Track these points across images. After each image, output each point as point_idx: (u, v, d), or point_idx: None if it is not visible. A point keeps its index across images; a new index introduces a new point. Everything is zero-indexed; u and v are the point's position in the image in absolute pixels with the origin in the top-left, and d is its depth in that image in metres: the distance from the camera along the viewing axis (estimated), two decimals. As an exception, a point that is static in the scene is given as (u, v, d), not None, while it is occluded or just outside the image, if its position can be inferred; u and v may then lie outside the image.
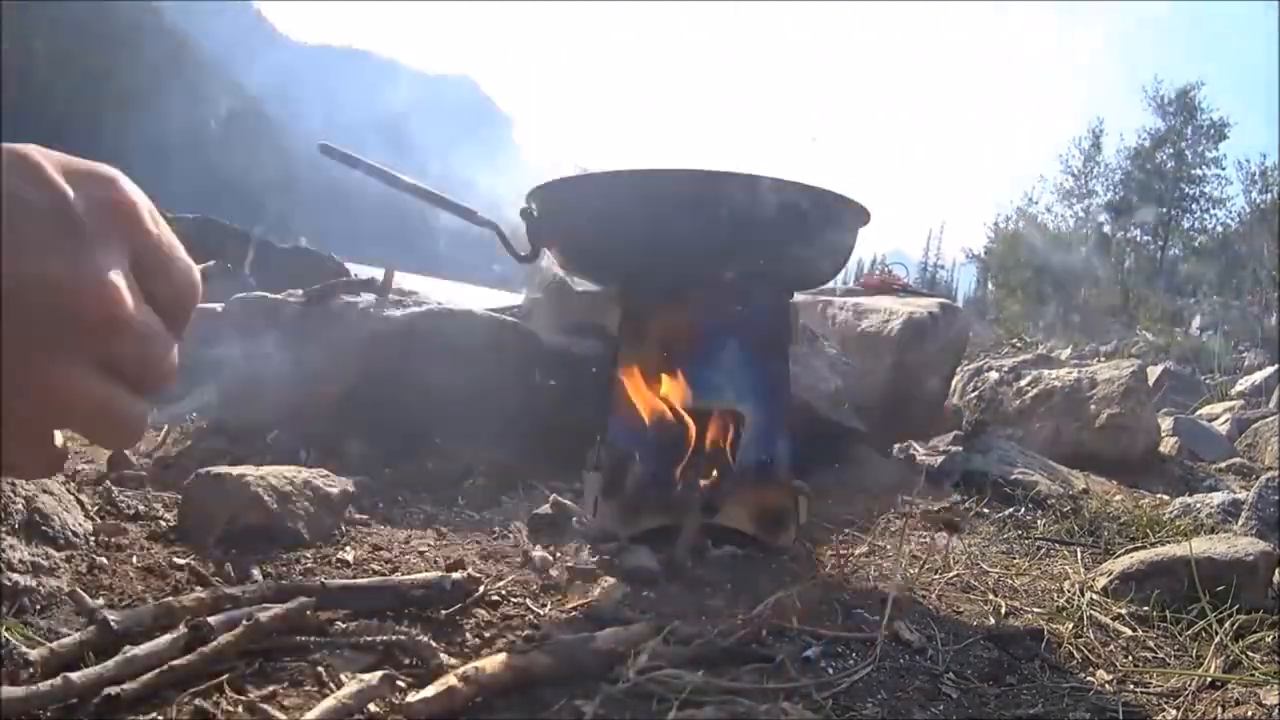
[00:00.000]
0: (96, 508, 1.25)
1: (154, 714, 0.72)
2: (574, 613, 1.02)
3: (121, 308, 0.39)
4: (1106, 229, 23.85)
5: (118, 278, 0.40)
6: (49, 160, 0.40)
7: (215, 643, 0.80)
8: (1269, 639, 1.07)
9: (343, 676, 0.81)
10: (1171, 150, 23.48)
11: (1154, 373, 5.44)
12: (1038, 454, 2.33)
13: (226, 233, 3.76)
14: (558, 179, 1.42)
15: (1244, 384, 6.15)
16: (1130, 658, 1.04)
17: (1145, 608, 1.18)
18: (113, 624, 0.83)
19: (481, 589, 1.04)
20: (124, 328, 0.40)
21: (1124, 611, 1.18)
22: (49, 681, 0.71)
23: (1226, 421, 4.15)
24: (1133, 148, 24.16)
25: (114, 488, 1.37)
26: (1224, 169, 22.94)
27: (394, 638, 0.87)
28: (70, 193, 0.39)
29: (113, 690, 0.71)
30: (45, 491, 1.09)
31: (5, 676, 0.74)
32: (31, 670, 0.75)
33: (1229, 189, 22.77)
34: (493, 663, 0.79)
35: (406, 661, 0.86)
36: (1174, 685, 0.95)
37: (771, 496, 1.32)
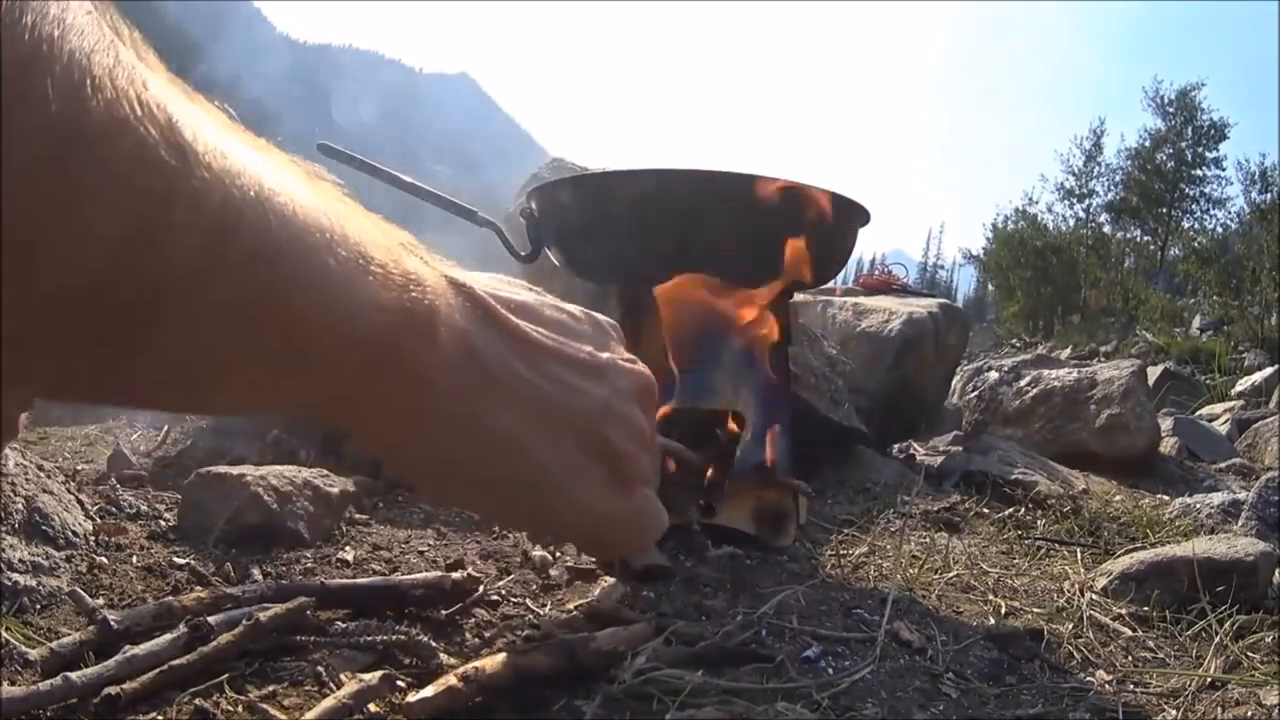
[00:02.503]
0: (96, 507, 1.25)
1: (154, 714, 0.72)
2: (574, 613, 1.02)
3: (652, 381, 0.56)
4: (1106, 229, 23.84)
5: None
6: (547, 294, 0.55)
7: (215, 643, 0.80)
8: (1269, 639, 1.07)
9: (343, 676, 0.81)
10: (1171, 150, 23.48)
11: (1154, 373, 5.45)
12: (1038, 454, 2.33)
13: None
14: (558, 179, 1.42)
15: (1244, 384, 6.16)
16: (1130, 658, 1.04)
17: (1145, 608, 1.18)
18: (113, 624, 0.83)
19: (481, 589, 1.04)
20: (655, 402, 0.55)
21: (1124, 612, 1.18)
22: (49, 681, 0.71)
23: (1226, 421, 4.16)
24: (1133, 148, 24.17)
25: (115, 487, 1.37)
26: (1224, 169, 22.95)
27: (394, 638, 0.87)
28: (586, 311, 0.55)
29: (113, 690, 0.71)
30: (45, 491, 1.09)
31: (5, 676, 0.74)
32: (32, 670, 0.75)
33: (1229, 189, 22.78)
34: (493, 663, 0.79)
35: (406, 661, 0.86)
36: (1174, 685, 0.95)
37: (771, 496, 1.32)
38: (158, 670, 0.75)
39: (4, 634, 0.79)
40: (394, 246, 0.42)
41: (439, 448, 0.45)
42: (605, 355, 0.51)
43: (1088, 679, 0.96)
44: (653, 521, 0.59)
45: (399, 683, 0.78)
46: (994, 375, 2.96)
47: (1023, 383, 2.85)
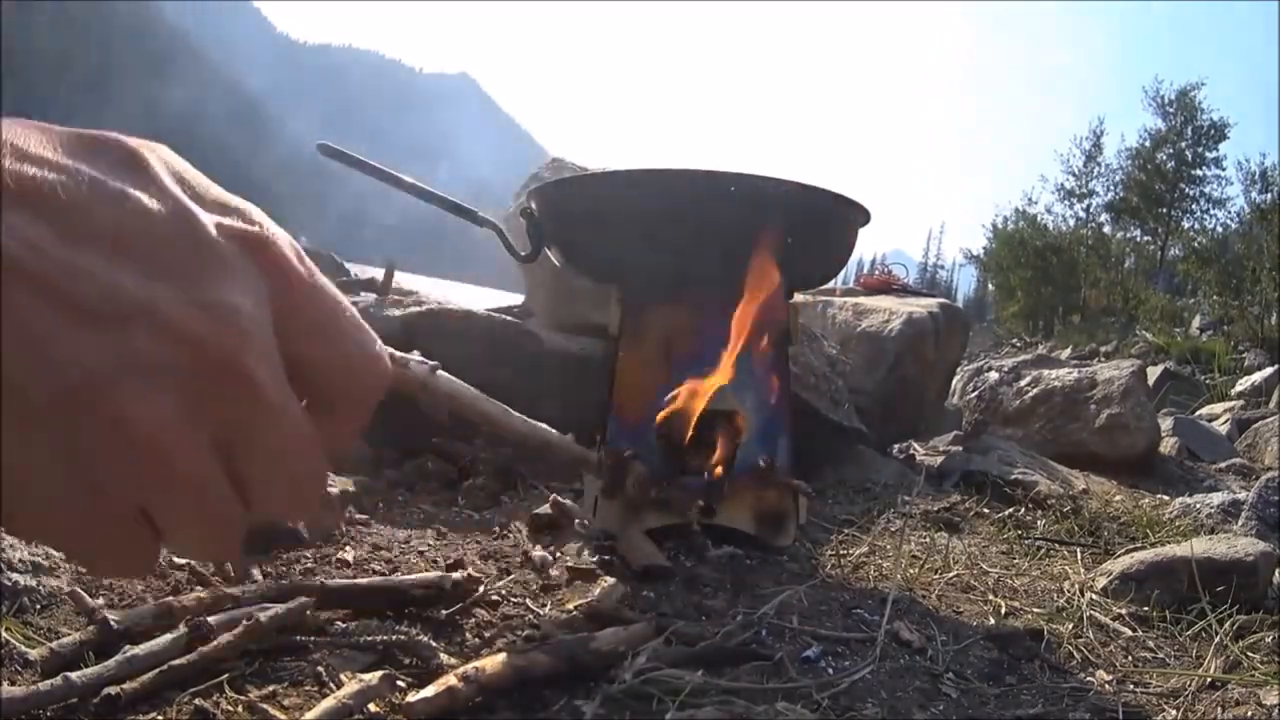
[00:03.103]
0: (96, 507, 1.25)
1: (154, 714, 0.72)
2: (574, 613, 1.02)
3: (249, 357, 0.30)
4: (1106, 229, 23.84)
5: (250, 321, 0.30)
6: (164, 166, 0.32)
7: (215, 643, 0.80)
8: (1269, 639, 1.07)
9: (343, 676, 0.81)
10: (1171, 150, 23.48)
11: (1154, 373, 5.45)
12: (1038, 454, 2.33)
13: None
14: (558, 178, 1.42)
15: (1244, 384, 6.15)
16: (1130, 658, 1.04)
17: (1145, 608, 1.18)
18: (113, 624, 0.83)
19: (481, 589, 1.04)
20: (251, 390, 0.30)
21: (1124, 612, 1.18)
22: (49, 681, 0.71)
23: (1226, 421, 4.16)
24: (1133, 148, 24.17)
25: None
26: (1224, 169, 22.94)
27: (394, 638, 0.87)
28: (195, 208, 0.31)
29: (113, 690, 0.71)
30: (45, 491, 1.09)
31: (5, 676, 0.74)
32: (32, 670, 0.75)
33: (1229, 189, 22.78)
34: (493, 663, 0.79)
35: (406, 661, 0.86)
36: (1174, 685, 0.95)
37: (771, 496, 1.32)
38: (158, 670, 0.75)
39: (4, 634, 0.79)
40: None
41: None
42: (148, 293, 0.29)
43: (1088, 679, 0.96)
44: (130, 565, 0.34)
45: (399, 683, 0.78)
46: (994, 375, 2.96)
47: (1023, 383, 2.85)
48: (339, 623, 0.94)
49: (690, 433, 1.25)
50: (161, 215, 0.30)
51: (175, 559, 1.12)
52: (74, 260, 0.28)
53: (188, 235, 0.31)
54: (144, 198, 0.30)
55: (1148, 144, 23.91)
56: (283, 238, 0.33)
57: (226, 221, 0.32)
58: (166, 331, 0.29)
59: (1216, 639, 1.06)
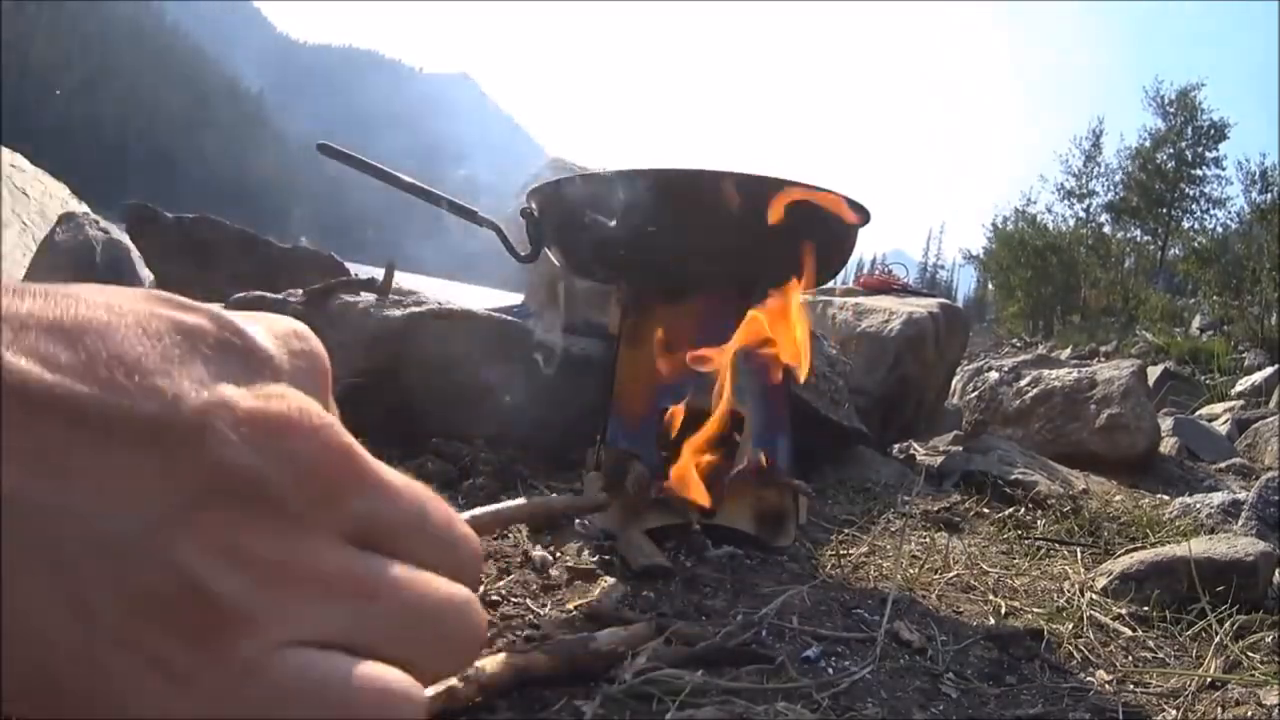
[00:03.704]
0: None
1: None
2: (574, 613, 1.02)
3: (341, 432, 0.26)
4: (1106, 229, 23.84)
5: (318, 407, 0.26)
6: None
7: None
8: (1269, 639, 1.07)
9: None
10: (1171, 150, 23.48)
11: (1154, 373, 5.45)
12: (1038, 454, 2.33)
13: (226, 233, 3.75)
14: (558, 178, 1.42)
15: (1244, 384, 6.16)
16: (1130, 658, 1.04)
17: (1145, 608, 1.18)
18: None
19: (481, 589, 1.04)
20: (359, 467, 0.26)
21: (1124, 612, 1.18)
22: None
23: (1226, 421, 4.16)
24: (1133, 148, 24.18)
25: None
26: (1224, 169, 22.95)
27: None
28: (238, 317, 0.28)
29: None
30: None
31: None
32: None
33: (1229, 189, 22.79)
34: (492, 663, 0.79)
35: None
36: (1174, 685, 0.95)
37: (771, 496, 1.32)
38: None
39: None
40: None
41: None
42: (208, 395, 0.24)
43: (1088, 679, 0.96)
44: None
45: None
46: (994, 375, 2.96)
47: (1023, 383, 2.85)
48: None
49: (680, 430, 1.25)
50: (199, 323, 0.26)
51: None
52: (111, 376, 0.22)
53: (233, 341, 0.26)
54: (179, 313, 0.26)
55: (1148, 144, 23.94)
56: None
57: (294, 345, 0.28)
58: (247, 428, 0.23)
59: (1216, 639, 1.06)
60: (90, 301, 0.24)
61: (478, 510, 0.71)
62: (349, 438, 0.27)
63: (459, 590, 0.27)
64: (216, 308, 0.28)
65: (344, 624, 0.24)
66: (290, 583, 0.23)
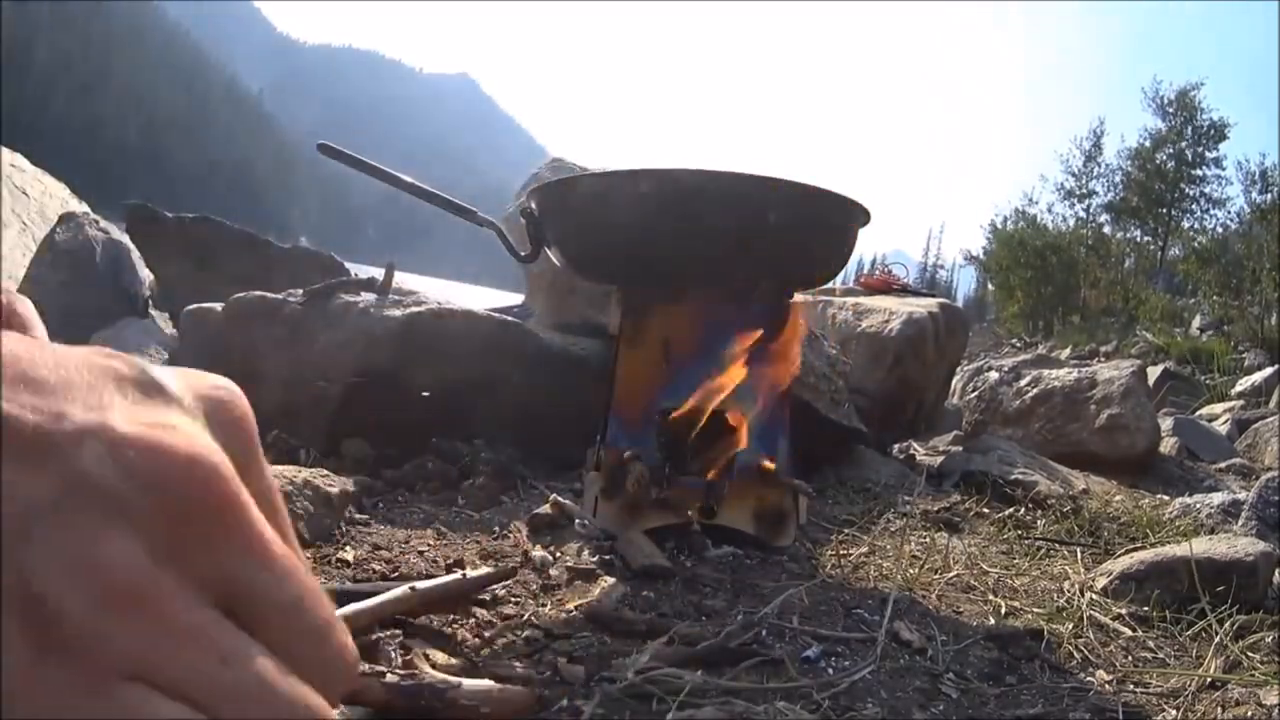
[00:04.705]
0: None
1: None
2: (574, 613, 1.02)
3: (230, 480, 0.24)
4: (1106, 229, 23.84)
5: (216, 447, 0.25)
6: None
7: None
8: (1269, 639, 1.07)
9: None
10: (1171, 150, 23.48)
11: (1154, 373, 5.45)
12: (1038, 454, 2.33)
13: (226, 233, 3.75)
14: (558, 179, 1.42)
15: (1244, 384, 6.16)
16: (1130, 658, 1.04)
17: (1145, 608, 1.18)
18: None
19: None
20: (240, 519, 0.24)
21: (1124, 612, 1.18)
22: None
23: (1226, 421, 4.16)
24: (1133, 148, 24.17)
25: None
26: (1224, 169, 22.93)
27: (392, 635, 0.87)
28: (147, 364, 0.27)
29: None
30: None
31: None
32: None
33: (1229, 189, 22.78)
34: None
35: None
36: (1174, 685, 0.95)
37: (771, 496, 1.32)
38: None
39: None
40: None
41: None
42: (94, 416, 0.24)
43: (1088, 679, 0.96)
44: None
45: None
46: (994, 375, 2.96)
47: (1023, 383, 2.85)
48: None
49: (695, 431, 1.25)
50: (115, 365, 0.26)
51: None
52: (13, 393, 0.23)
53: (143, 379, 0.26)
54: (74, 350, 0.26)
55: (1148, 144, 23.91)
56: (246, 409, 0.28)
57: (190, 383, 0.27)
58: (124, 449, 0.23)
59: (1216, 639, 1.06)
60: (16, 338, 0.25)
61: (358, 605, 0.67)
62: (243, 494, 0.25)
63: (317, 701, 0.24)
64: (143, 360, 0.27)
65: (188, 676, 0.23)
66: (137, 612, 0.22)
